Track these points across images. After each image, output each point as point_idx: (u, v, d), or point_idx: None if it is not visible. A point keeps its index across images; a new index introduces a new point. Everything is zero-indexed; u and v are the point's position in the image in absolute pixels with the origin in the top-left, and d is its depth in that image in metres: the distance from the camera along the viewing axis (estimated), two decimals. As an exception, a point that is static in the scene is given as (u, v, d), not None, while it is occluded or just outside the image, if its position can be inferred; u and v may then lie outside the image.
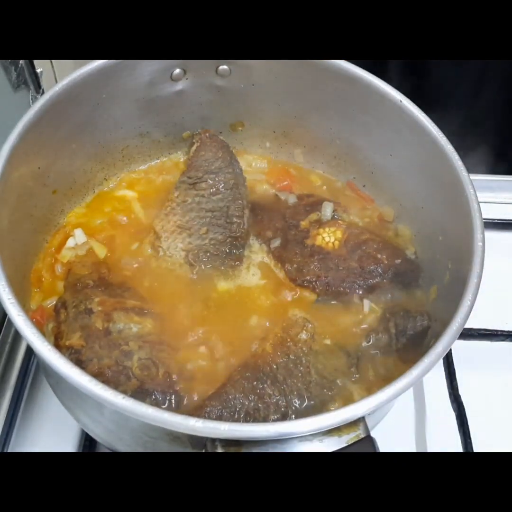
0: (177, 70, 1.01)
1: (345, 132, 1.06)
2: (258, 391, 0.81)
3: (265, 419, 0.79)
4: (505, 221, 1.30)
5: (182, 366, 0.85)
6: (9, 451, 0.96)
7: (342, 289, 0.94)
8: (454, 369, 1.05)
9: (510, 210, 1.34)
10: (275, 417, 0.80)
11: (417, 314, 0.92)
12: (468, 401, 1.01)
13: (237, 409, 0.79)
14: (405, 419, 1.06)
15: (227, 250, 0.99)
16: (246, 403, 0.80)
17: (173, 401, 0.81)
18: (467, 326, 0.74)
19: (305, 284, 0.95)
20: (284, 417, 0.80)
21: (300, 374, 0.83)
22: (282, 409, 0.80)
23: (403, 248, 1.02)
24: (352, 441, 0.66)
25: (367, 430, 0.67)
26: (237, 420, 0.79)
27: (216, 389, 0.82)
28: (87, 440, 0.96)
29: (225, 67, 1.02)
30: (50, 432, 1.00)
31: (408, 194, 1.02)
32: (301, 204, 1.06)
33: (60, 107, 0.89)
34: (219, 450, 0.64)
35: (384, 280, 0.95)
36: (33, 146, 0.87)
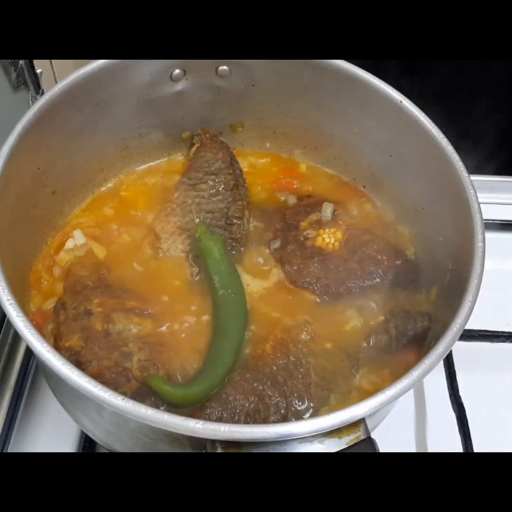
0: (177, 71, 1.01)
1: (345, 133, 1.06)
2: (258, 392, 0.81)
3: (265, 421, 0.79)
4: (505, 222, 1.30)
5: (182, 368, 0.85)
6: (9, 451, 0.96)
7: (342, 290, 0.94)
8: (454, 370, 1.05)
9: (510, 211, 1.34)
10: (275, 418, 0.80)
11: (417, 315, 0.91)
12: (469, 402, 1.01)
13: (237, 410, 0.79)
14: (406, 420, 1.06)
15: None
16: (246, 404, 0.80)
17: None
18: (467, 327, 0.74)
19: (305, 286, 0.95)
20: (284, 418, 0.80)
21: (300, 376, 0.83)
22: (282, 410, 0.80)
23: (403, 249, 1.01)
24: (352, 443, 0.65)
25: (367, 431, 0.66)
26: (237, 422, 0.78)
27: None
28: (87, 441, 0.96)
29: (225, 67, 1.02)
30: (49, 433, 1.00)
31: (408, 195, 1.02)
32: (301, 204, 1.06)
33: (59, 108, 0.89)
34: (219, 451, 0.64)
35: (385, 281, 0.95)
36: (33, 146, 0.87)
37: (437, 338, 0.73)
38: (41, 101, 0.87)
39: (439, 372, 1.05)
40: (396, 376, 0.69)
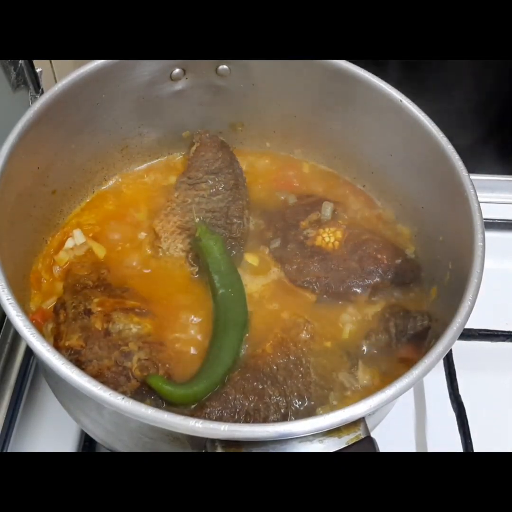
0: (177, 70, 1.01)
1: (345, 132, 1.06)
2: (258, 391, 0.81)
3: (265, 420, 0.79)
4: (505, 221, 1.30)
5: (182, 367, 0.85)
6: (9, 451, 0.96)
7: (342, 289, 0.94)
8: (454, 370, 1.05)
9: (510, 210, 1.34)
10: (275, 417, 0.80)
11: (417, 314, 0.92)
12: (468, 402, 1.01)
13: (237, 409, 0.79)
14: (406, 420, 1.06)
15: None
16: (246, 403, 0.80)
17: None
18: (467, 326, 0.74)
19: (305, 285, 0.95)
20: (284, 417, 0.80)
21: (300, 375, 0.83)
22: (282, 409, 0.80)
23: (403, 248, 1.02)
24: (352, 442, 0.66)
25: (367, 430, 0.67)
26: (237, 421, 0.79)
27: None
28: (87, 441, 0.96)
29: (225, 67, 1.02)
30: (49, 433, 1.00)
31: (408, 194, 1.02)
32: (301, 204, 1.06)
33: (59, 107, 0.89)
34: (219, 450, 0.64)
35: (384, 281, 0.95)
36: (33, 146, 0.87)
37: (437, 337, 0.73)
38: (41, 100, 0.87)
39: (439, 371, 1.05)
40: (395, 375, 0.69)
